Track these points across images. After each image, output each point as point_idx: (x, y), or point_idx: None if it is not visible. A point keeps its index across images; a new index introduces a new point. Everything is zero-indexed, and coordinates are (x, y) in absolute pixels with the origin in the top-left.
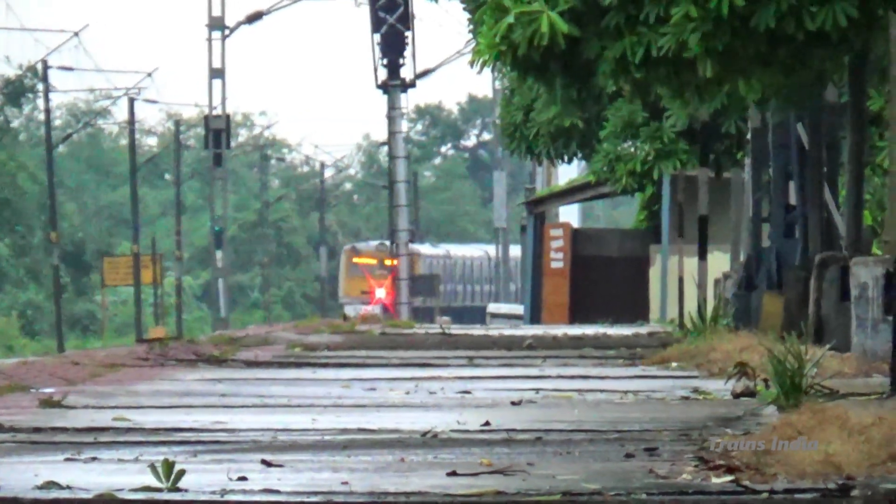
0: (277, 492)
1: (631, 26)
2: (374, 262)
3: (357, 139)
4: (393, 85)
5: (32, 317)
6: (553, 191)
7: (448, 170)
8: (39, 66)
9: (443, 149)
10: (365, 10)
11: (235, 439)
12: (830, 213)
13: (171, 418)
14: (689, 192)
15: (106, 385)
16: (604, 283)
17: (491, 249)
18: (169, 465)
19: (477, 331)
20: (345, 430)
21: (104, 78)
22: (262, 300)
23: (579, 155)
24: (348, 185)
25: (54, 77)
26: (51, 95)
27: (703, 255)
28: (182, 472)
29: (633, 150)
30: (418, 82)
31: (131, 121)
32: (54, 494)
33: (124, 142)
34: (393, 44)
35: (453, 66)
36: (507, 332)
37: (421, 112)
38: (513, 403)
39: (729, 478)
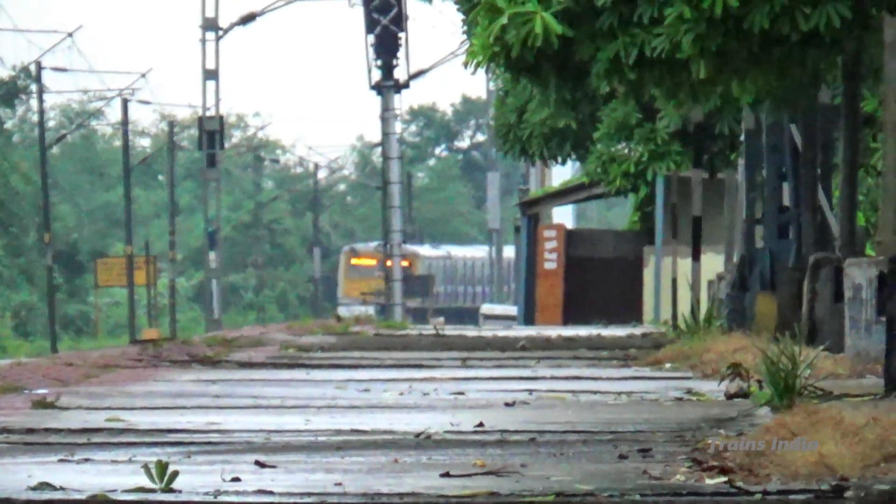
0: (271, 493)
1: (624, 27)
2: (373, 263)
3: (351, 140)
4: (387, 86)
5: (26, 318)
6: (547, 192)
7: (442, 171)
8: (33, 67)
9: (437, 150)
10: (359, 11)
11: (229, 440)
12: (824, 214)
13: (165, 419)
14: (682, 193)
15: (99, 386)
16: (597, 284)
17: (507, 250)
18: (162, 466)
19: (470, 332)
20: (338, 431)
21: (98, 79)
22: (255, 301)
23: (573, 156)
24: (342, 186)
25: (48, 78)
26: (44, 96)
27: (696, 256)
28: (175, 473)
29: (626, 151)
30: (412, 83)
31: (125, 122)
32: (48, 495)
33: (118, 143)
34: (386, 45)
35: (447, 67)
36: (501, 333)
37: (415, 113)
38: (506, 404)
39: (722, 479)
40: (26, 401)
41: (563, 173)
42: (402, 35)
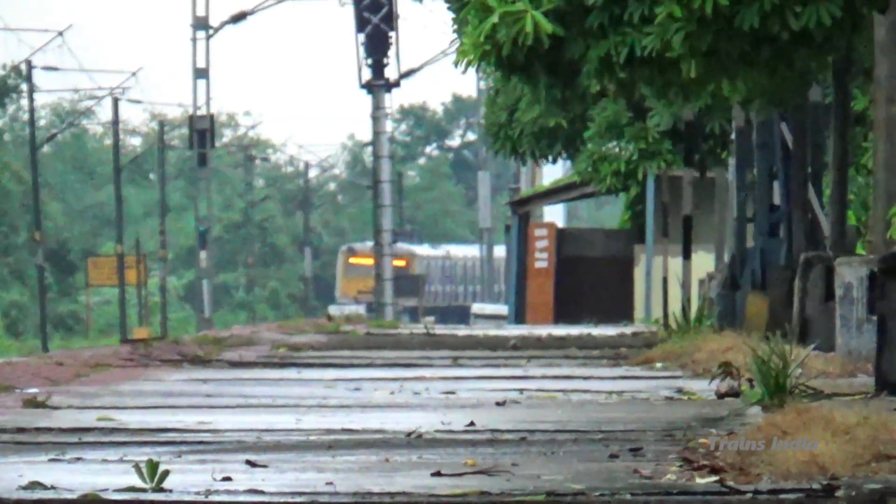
0: (262, 492)
1: (615, 26)
2: (371, 262)
3: (342, 139)
4: (377, 85)
5: (17, 317)
6: (538, 191)
7: (432, 170)
8: (23, 66)
9: (427, 149)
10: (349, 10)
11: (220, 440)
12: (815, 213)
13: (156, 418)
14: (673, 192)
15: (90, 385)
16: (588, 283)
17: (499, 250)
18: (153, 466)
19: (461, 331)
20: (329, 431)
21: (88, 78)
22: (246, 300)
23: (564, 155)
24: (333, 185)
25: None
26: (35, 95)
27: (687, 255)
28: (166, 473)
29: (617, 150)
30: (403, 82)
31: (115, 121)
32: (38, 495)
33: (108, 142)
34: (377, 44)
35: (438, 66)
36: (492, 332)
37: (405, 112)
38: (497, 404)
39: (713, 478)
40: (17, 400)
41: (553, 172)
42: (392, 34)
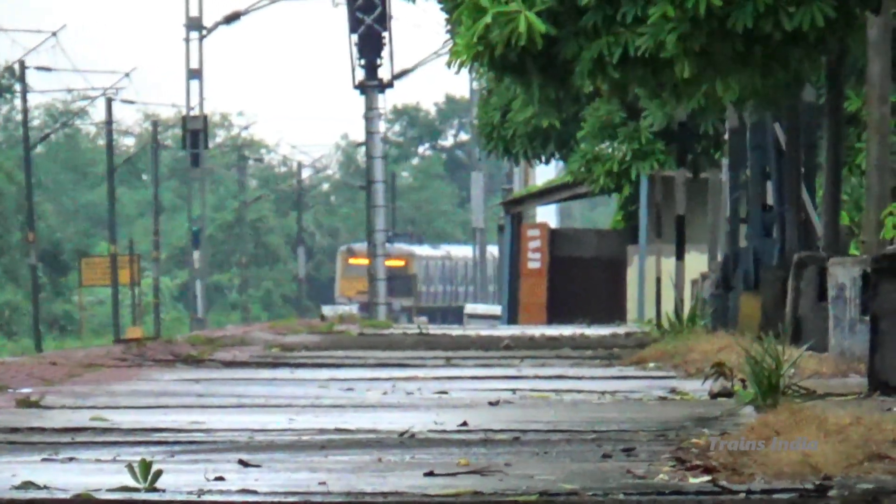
0: (255, 492)
1: (608, 26)
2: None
3: (335, 139)
4: (370, 85)
5: (10, 317)
6: (530, 191)
7: (425, 170)
8: (17, 67)
9: (420, 149)
10: (342, 11)
11: (213, 439)
12: (808, 213)
13: (149, 418)
14: (666, 193)
15: (83, 385)
16: (581, 283)
17: (494, 250)
18: (146, 466)
19: (454, 331)
20: (322, 431)
21: (82, 78)
22: (239, 300)
23: (557, 155)
24: (326, 186)
25: (32, 77)
26: (28, 96)
27: (680, 256)
28: (159, 473)
29: (610, 150)
30: (396, 83)
31: (109, 121)
32: (31, 494)
33: (102, 142)
34: (370, 44)
35: (431, 67)
36: (485, 332)
37: (398, 112)
38: (490, 404)
39: (706, 478)
40: (10, 400)
41: (546, 172)
42: (385, 34)
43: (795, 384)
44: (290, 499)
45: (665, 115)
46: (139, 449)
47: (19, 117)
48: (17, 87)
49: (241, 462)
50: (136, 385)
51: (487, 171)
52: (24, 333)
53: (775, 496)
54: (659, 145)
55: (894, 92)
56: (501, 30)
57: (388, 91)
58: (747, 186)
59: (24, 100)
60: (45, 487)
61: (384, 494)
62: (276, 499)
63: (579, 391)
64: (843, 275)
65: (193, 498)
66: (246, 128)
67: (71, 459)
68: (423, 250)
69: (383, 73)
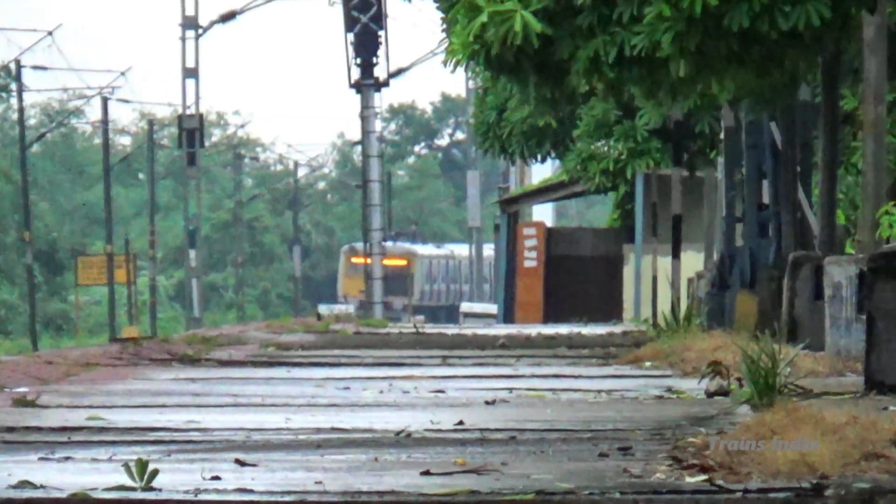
0: (251, 491)
1: (604, 26)
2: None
3: (331, 138)
4: (366, 84)
5: (6, 316)
6: (526, 190)
7: (421, 169)
8: (13, 66)
9: (416, 148)
10: (338, 10)
11: (209, 438)
12: (804, 212)
13: (145, 418)
14: (662, 192)
15: (80, 384)
16: (577, 282)
17: (490, 249)
18: (142, 465)
19: (450, 330)
20: (318, 430)
21: (78, 77)
22: (235, 300)
23: (553, 154)
24: (322, 185)
25: (28, 76)
26: (24, 95)
27: (676, 255)
28: (156, 472)
29: (606, 149)
30: (392, 82)
31: (105, 120)
32: (28, 494)
33: (98, 141)
34: (366, 43)
35: (427, 66)
36: (481, 331)
37: (394, 111)
38: (486, 403)
39: (703, 477)
40: (6, 399)
41: (542, 171)
42: (381, 33)
43: (792, 383)
44: (287, 498)
45: (661, 114)
46: (135, 448)
47: (15, 116)
48: (13, 86)
49: (238, 461)
50: (133, 384)
51: (483, 170)
52: (20, 332)
53: (772, 495)
54: (655, 144)
55: (890, 91)
56: (497, 29)
57: (384, 90)
58: (743, 185)
59: (20, 99)
60: (42, 487)
61: (380, 493)
62: (273, 498)
63: (575, 390)
64: (839, 274)
65: (190, 497)
66: (242, 127)
67: (67, 459)
68: (425, 249)
69: (379, 72)
